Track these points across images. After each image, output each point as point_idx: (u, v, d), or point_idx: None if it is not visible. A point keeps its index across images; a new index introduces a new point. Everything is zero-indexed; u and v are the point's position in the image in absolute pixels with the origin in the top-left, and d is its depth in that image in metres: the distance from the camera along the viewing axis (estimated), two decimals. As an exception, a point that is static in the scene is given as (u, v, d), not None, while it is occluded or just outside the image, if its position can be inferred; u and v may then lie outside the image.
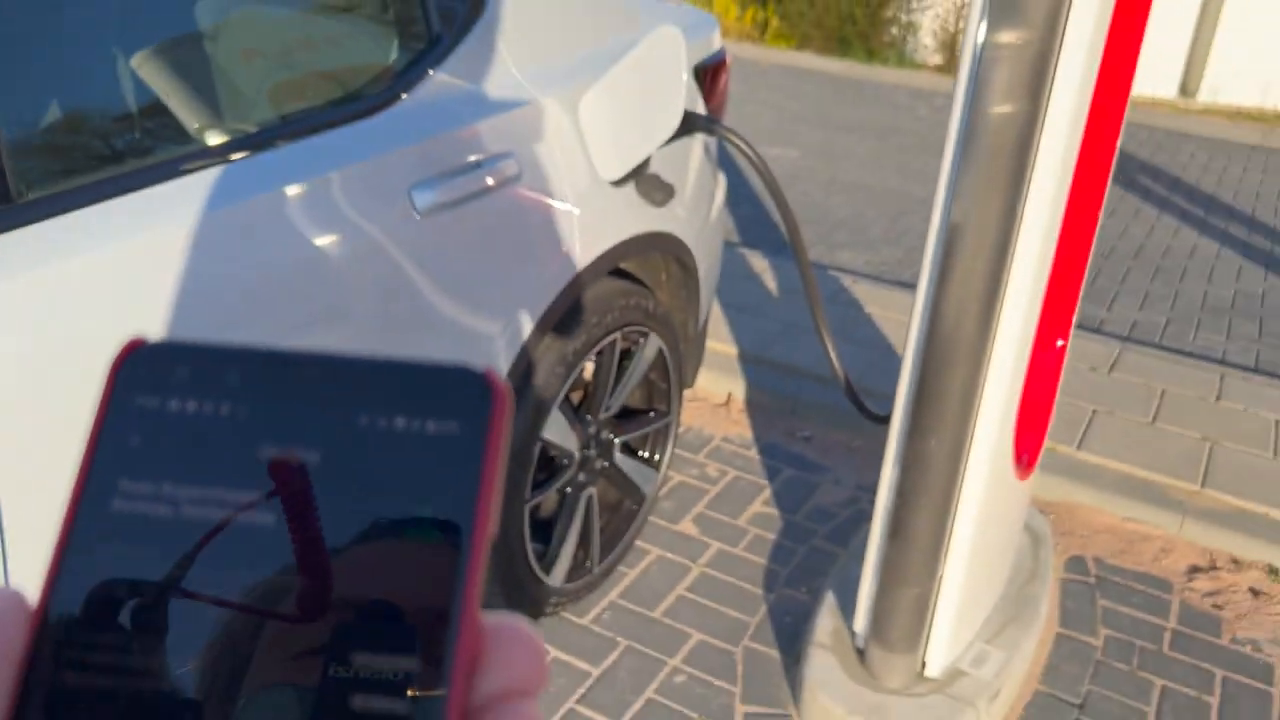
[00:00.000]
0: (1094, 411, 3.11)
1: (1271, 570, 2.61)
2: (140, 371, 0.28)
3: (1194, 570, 2.61)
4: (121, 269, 1.29)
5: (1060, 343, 2.23)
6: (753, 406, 3.16)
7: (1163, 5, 10.38)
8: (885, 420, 2.03)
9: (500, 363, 1.85)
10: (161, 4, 1.57)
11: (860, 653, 2.09)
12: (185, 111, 1.52)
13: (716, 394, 3.21)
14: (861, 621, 2.08)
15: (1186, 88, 10.44)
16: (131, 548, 0.27)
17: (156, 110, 1.49)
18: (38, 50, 1.36)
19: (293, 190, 1.48)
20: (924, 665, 2.06)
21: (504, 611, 0.27)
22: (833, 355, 2.23)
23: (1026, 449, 2.09)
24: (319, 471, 0.27)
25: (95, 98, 1.47)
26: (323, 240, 1.51)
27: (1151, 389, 3.28)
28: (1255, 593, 2.55)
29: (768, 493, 2.79)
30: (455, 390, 0.28)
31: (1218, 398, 3.26)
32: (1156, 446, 2.97)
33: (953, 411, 1.80)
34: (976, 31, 1.62)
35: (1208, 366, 3.51)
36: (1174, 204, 5.84)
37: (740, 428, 3.07)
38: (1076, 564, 2.61)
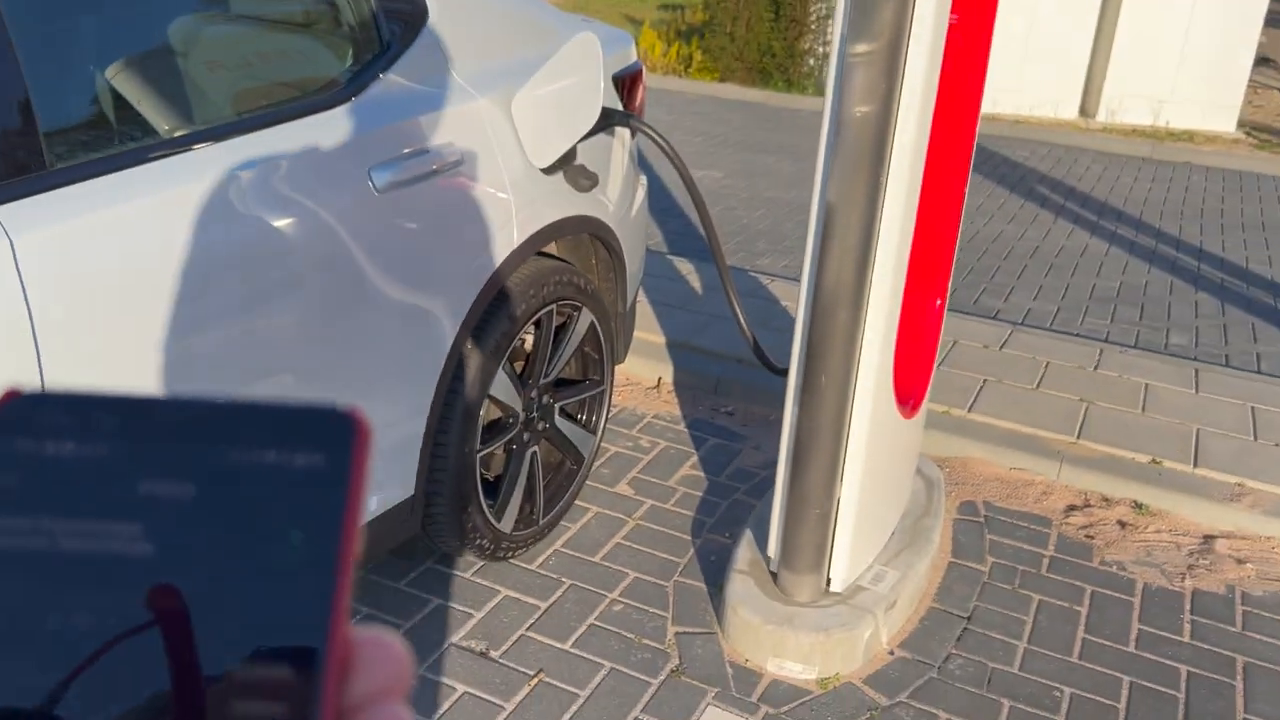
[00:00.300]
0: (984, 380, 3.47)
1: (1137, 505, 2.97)
2: (15, 419, 0.29)
3: (1070, 508, 2.96)
4: (121, 226, 1.56)
5: (939, 302, 2.58)
6: (680, 388, 3.47)
7: (1061, 34, 11.05)
8: (784, 372, 2.35)
9: (447, 328, 2.13)
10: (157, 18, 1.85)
11: (774, 575, 2.39)
12: (177, 108, 1.79)
13: (648, 378, 3.51)
14: (774, 547, 2.38)
15: (1086, 109, 11.09)
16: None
17: (134, 109, 1.76)
18: (43, 65, 1.63)
19: (277, 164, 1.77)
20: (829, 583, 2.36)
21: (372, 626, 0.30)
22: (740, 315, 2.55)
23: (909, 389, 2.42)
24: (188, 508, 0.28)
25: (87, 97, 1.74)
26: (292, 207, 1.79)
27: (1037, 362, 3.65)
28: (1122, 524, 2.90)
29: (695, 459, 3.09)
30: (321, 427, 0.29)
31: (1095, 367, 3.64)
32: (1039, 407, 3.33)
33: (838, 353, 2.13)
34: (840, 44, 1.96)
35: (1089, 343, 3.90)
36: (1069, 210, 6.31)
37: (670, 406, 3.38)
38: (968, 507, 2.94)
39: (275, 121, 1.83)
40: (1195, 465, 3.06)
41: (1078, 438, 3.17)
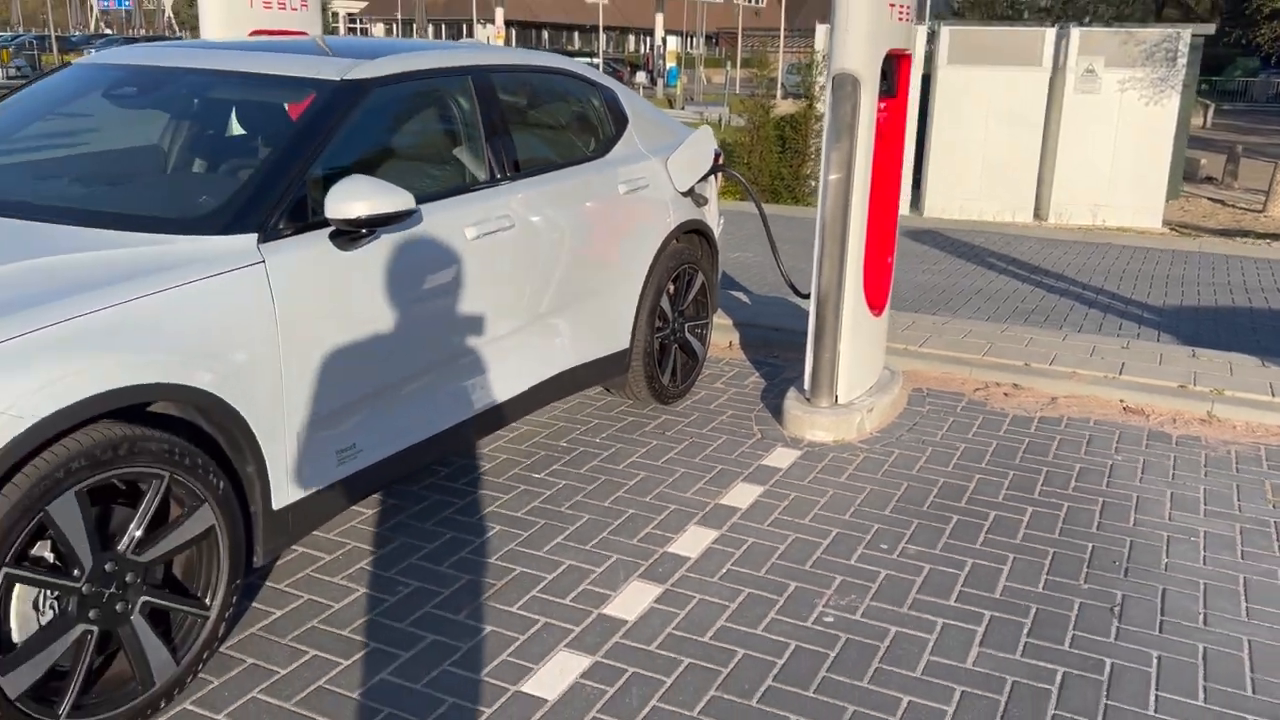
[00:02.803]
0: (930, 336, 5.69)
1: (1015, 386, 5.13)
2: None
3: (975, 389, 5.13)
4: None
5: (889, 259, 4.83)
6: (744, 345, 5.69)
7: (1017, 154, 13.63)
8: (806, 295, 4.59)
9: (637, 275, 4.37)
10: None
11: (807, 397, 4.56)
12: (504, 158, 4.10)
13: (723, 342, 5.73)
14: (806, 383, 4.56)
15: (1039, 214, 13.57)
16: None
17: (498, 159, 4.05)
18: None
19: (570, 183, 4.05)
20: (836, 398, 4.53)
21: None
22: (780, 264, 4.82)
23: (873, 300, 4.64)
24: None
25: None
26: (575, 208, 4.07)
27: (965, 328, 5.87)
28: (1005, 395, 5.06)
29: (756, 375, 5.28)
30: None
31: (1001, 332, 5.86)
32: (963, 346, 5.53)
33: (833, 280, 4.36)
34: (826, 146, 4.28)
35: (1001, 324, 6.12)
36: (1008, 270, 8.62)
37: (739, 355, 5.60)
38: (916, 391, 5.11)
39: (571, 164, 4.13)
40: (1050, 364, 5.24)
41: (983, 356, 5.37)
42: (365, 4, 77.40)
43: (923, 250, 9.77)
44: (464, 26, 72.35)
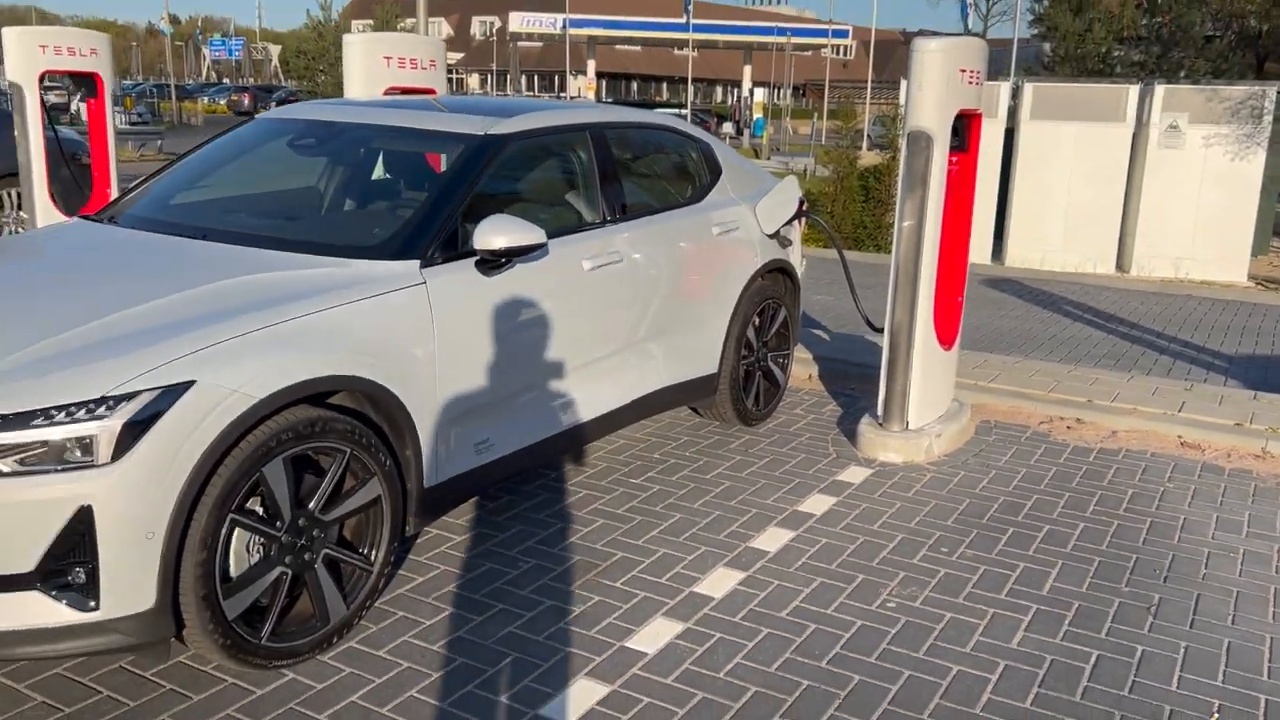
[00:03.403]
0: (1000, 373, 6.07)
1: (1078, 420, 5.49)
2: None
3: (1040, 422, 5.50)
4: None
5: (959, 298, 5.27)
6: (823, 378, 6.15)
7: (1099, 207, 13.90)
8: (881, 330, 5.05)
9: (726, 308, 4.89)
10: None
11: (880, 422, 5.00)
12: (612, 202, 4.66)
13: (804, 375, 6.20)
14: (880, 410, 5.00)
15: (1121, 266, 13.74)
16: None
17: (609, 205, 4.61)
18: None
19: (670, 225, 4.60)
20: (907, 424, 4.96)
21: None
22: (858, 301, 5.29)
23: (943, 335, 5.07)
24: None
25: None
26: (673, 247, 4.61)
27: (1034, 366, 6.24)
28: (1068, 427, 5.42)
29: (833, 404, 5.74)
30: None
31: (1068, 372, 6.21)
32: (1030, 382, 5.91)
33: (904, 311, 4.82)
34: (900, 198, 4.76)
35: (1068, 364, 6.47)
36: (1084, 317, 8.92)
37: (818, 386, 6.06)
38: (984, 423, 5.51)
39: (671, 208, 4.68)
40: (1113, 401, 5.59)
41: (1049, 392, 5.74)
42: (462, 55, 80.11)
43: (1001, 297, 10.10)
44: (555, 78, 74.48)
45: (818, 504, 4.32)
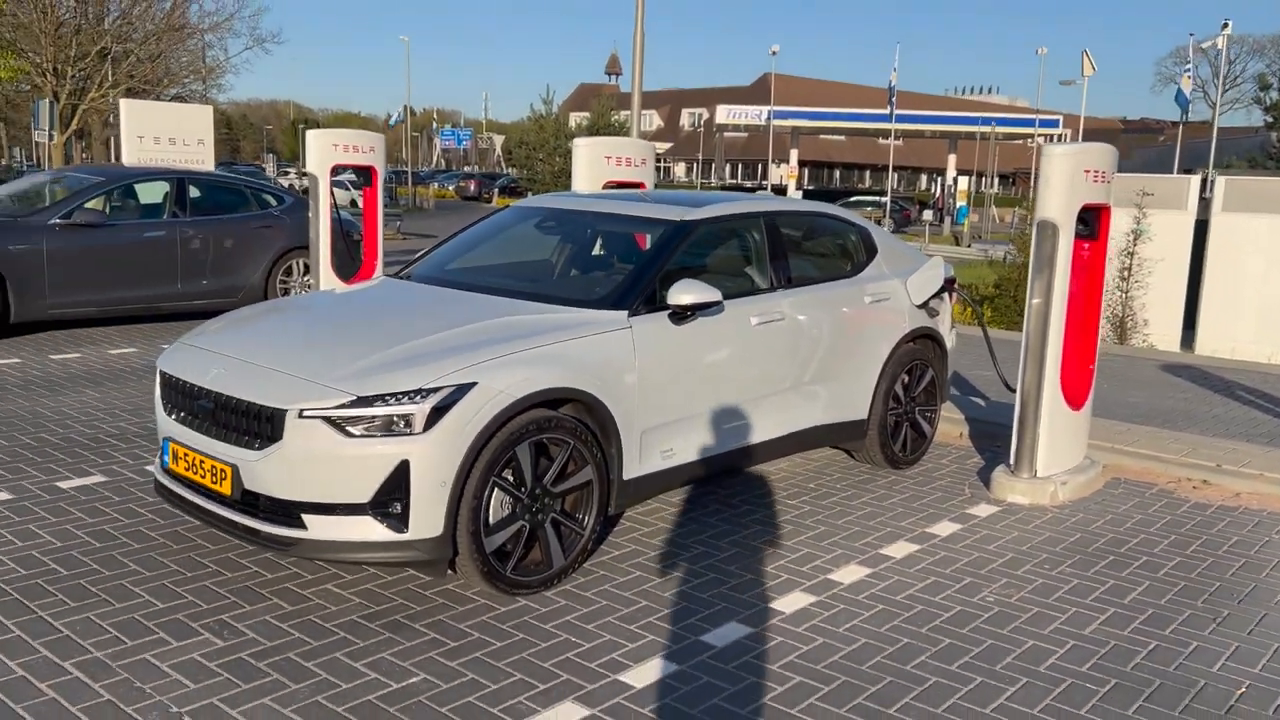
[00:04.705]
0: (1139, 437, 6.67)
1: (1204, 481, 6.04)
2: None
3: (1168, 482, 6.09)
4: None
5: (1091, 366, 6.00)
6: (973, 436, 6.92)
7: (1166, 296, 13.92)
8: (1014, 389, 5.85)
9: (875, 364, 5.82)
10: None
11: (1011, 470, 5.77)
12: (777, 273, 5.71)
13: (954, 433, 6.99)
14: (1012, 459, 5.77)
15: (1187, 344, 13.67)
16: None
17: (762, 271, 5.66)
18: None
19: (828, 293, 5.62)
20: (1035, 472, 5.71)
21: None
22: (998, 365, 6.10)
23: (1071, 396, 5.81)
24: None
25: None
26: (829, 310, 5.62)
27: (1176, 435, 6.79)
28: (1195, 487, 5.99)
29: (977, 458, 6.51)
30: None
31: (1210, 441, 6.72)
32: (1163, 447, 6.48)
33: (1033, 376, 5.62)
34: (1031, 283, 5.61)
35: (1205, 436, 6.97)
36: (1255, 402, 9.20)
37: (966, 443, 6.84)
38: (1115, 479, 6.15)
39: (830, 280, 5.69)
40: (1242, 467, 6.11)
41: (1182, 456, 6.31)
42: (670, 145, 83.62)
43: (1176, 381, 10.42)
44: (759, 166, 76.60)
45: (944, 529, 5.15)
